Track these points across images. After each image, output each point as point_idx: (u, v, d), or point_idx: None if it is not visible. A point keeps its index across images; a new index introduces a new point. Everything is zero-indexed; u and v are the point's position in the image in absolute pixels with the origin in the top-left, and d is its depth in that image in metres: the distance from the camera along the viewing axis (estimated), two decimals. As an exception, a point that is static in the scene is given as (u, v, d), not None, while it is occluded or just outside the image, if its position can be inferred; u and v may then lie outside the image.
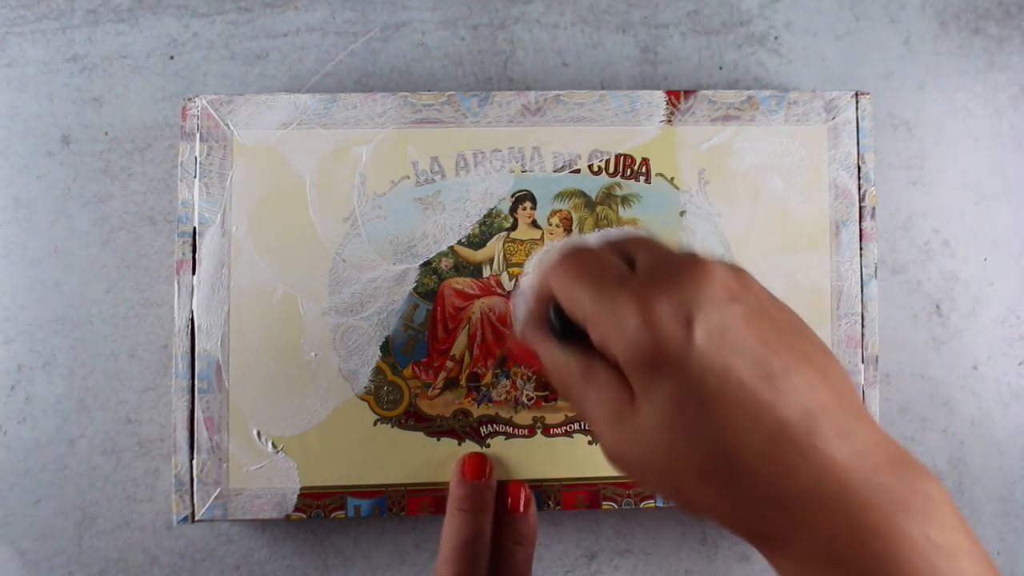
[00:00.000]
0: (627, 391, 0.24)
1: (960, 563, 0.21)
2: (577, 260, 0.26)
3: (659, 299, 0.22)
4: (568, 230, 0.41)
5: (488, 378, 0.40)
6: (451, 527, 0.37)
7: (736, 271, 0.24)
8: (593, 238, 0.28)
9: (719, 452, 0.22)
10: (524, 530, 0.38)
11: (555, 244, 0.27)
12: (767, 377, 0.22)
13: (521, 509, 0.38)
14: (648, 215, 0.41)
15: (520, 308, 0.30)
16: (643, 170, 0.41)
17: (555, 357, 0.27)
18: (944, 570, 0.20)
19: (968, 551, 0.21)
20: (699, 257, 0.24)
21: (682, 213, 0.41)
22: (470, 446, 0.40)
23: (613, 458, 0.25)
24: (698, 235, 0.41)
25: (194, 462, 0.38)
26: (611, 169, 0.41)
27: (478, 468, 0.38)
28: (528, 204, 0.41)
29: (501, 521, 0.38)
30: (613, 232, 0.27)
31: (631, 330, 0.23)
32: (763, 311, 0.23)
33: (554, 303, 0.27)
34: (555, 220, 0.41)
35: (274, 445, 0.39)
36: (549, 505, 0.40)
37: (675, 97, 0.41)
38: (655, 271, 0.24)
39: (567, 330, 0.26)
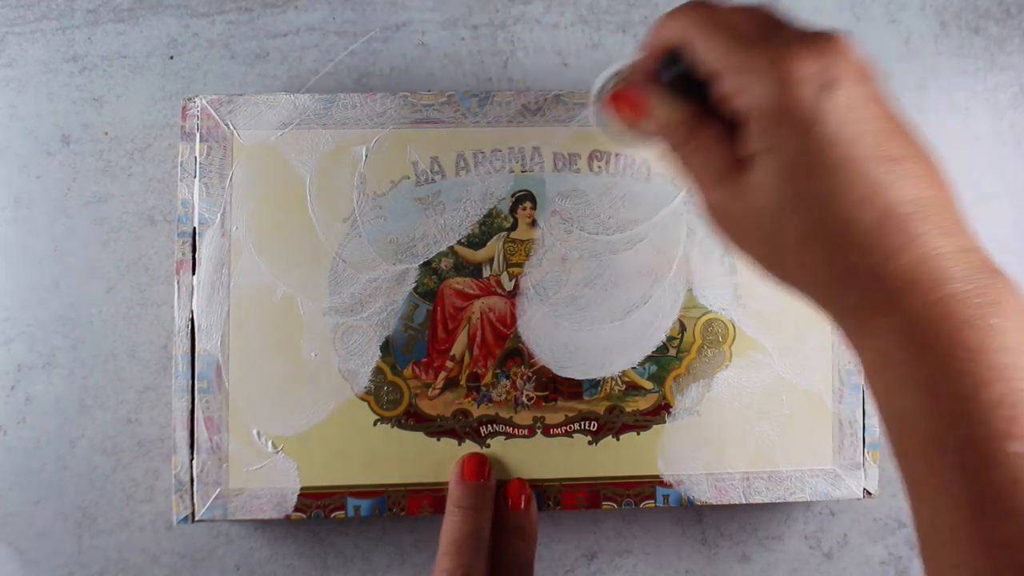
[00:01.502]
0: (738, 151, 0.24)
1: None
2: (716, 12, 0.25)
3: (803, 59, 0.23)
4: (568, 230, 0.41)
5: (488, 378, 0.40)
6: (450, 523, 0.37)
7: (868, 61, 0.24)
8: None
9: (829, 219, 0.23)
10: (525, 526, 0.38)
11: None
12: (888, 159, 0.22)
13: (522, 506, 0.38)
14: (648, 215, 0.41)
15: (604, 75, 0.30)
16: (643, 169, 0.41)
17: (665, 106, 0.26)
18: (1021, 368, 0.21)
19: None
20: (840, 32, 0.24)
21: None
22: (470, 446, 0.40)
23: (714, 215, 0.25)
24: (698, 235, 0.41)
25: (194, 462, 0.38)
26: (611, 169, 0.41)
27: (477, 469, 0.38)
28: (528, 204, 0.41)
29: (502, 518, 0.38)
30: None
31: (769, 83, 0.23)
32: (886, 102, 0.24)
33: (671, 53, 0.26)
34: (555, 220, 0.41)
35: (274, 445, 0.39)
36: (549, 505, 0.40)
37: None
38: (799, 37, 0.24)
39: (678, 85, 0.26)
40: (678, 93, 0.26)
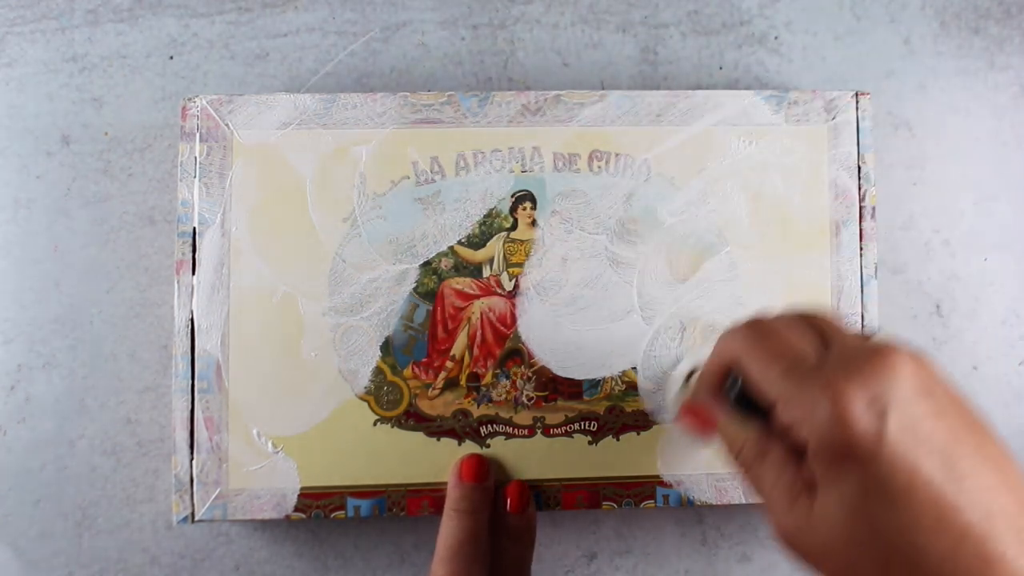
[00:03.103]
0: (805, 474, 0.24)
1: None
2: (769, 336, 0.26)
3: (853, 390, 0.22)
4: (568, 230, 0.41)
5: (488, 378, 0.40)
6: (447, 527, 0.37)
7: (925, 363, 0.24)
8: (776, 312, 0.28)
9: (902, 550, 0.22)
10: (523, 529, 0.38)
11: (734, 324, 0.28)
12: (955, 478, 0.22)
13: (520, 509, 0.38)
14: (648, 214, 0.41)
15: (681, 369, 0.31)
16: (643, 169, 0.41)
17: (733, 429, 0.27)
18: None
19: None
20: (891, 346, 0.24)
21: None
22: (470, 446, 0.40)
23: (785, 539, 0.25)
24: (698, 235, 0.41)
25: (194, 462, 0.38)
26: (611, 169, 0.41)
27: (475, 470, 0.38)
28: (528, 204, 0.41)
29: (500, 520, 0.38)
30: (799, 308, 0.27)
31: (823, 419, 0.23)
32: (952, 409, 0.23)
33: (734, 374, 0.27)
34: (555, 220, 0.41)
35: (274, 445, 0.39)
36: (549, 505, 0.40)
37: (675, 97, 0.41)
38: (849, 359, 0.24)
39: (743, 402, 0.26)
40: (744, 410, 0.27)
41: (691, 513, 0.45)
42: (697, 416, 0.30)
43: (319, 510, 0.39)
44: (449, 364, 0.40)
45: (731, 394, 0.27)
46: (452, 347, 0.40)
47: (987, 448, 0.23)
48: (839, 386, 0.23)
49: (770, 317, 0.27)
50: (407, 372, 0.40)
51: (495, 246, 0.40)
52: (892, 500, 0.22)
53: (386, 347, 0.40)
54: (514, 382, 0.40)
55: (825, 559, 0.24)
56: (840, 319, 0.27)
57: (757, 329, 0.27)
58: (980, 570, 0.21)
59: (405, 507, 0.39)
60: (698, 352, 0.32)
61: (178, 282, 0.39)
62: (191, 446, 0.39)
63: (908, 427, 0.22)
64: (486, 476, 0.38)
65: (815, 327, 0.26)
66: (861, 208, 0.41)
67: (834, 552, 0.23)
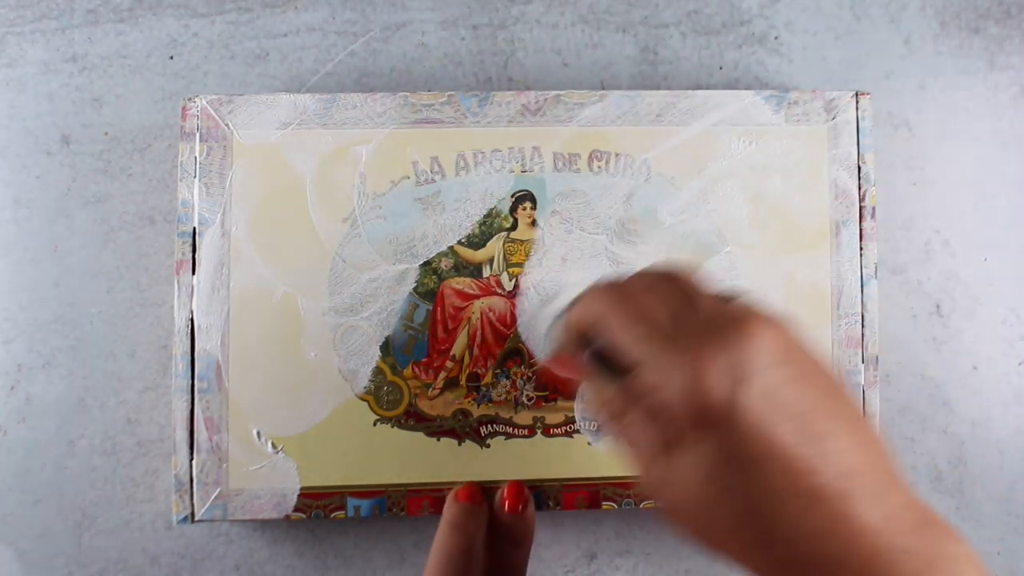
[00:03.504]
0: (667, 432, 0.24)
1: None
2: (630, 299, 0.26)
3: (711, 358, 0.23)
4: (568, 229, 0.41)
5: (488, 378, 0.40)
6: (440, 540, 0.37)
7: (784, 329, 0.24)
8: (638, 271, 0.28)
9: (755, 512, 0.22)
10: (521, 531, 0.38)
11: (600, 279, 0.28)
12: (809, 442, 0.22)
13: (516, 509, 0.38)
14: (648, 214, 0.41)
15: (554, 329, 0.31)
16: (643, 169, 0.41)
17: (600, 387, 0.27)
18: None
19: None
20: (751, 313, 0.24)
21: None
22: (470, 446, 0.40)
23: (649, 490, 0.25)
24: (698, 235, 0.41)
25: (194, 462, 0.38)
26: (611, 169, 0.41)
27: (470, 492, 0.38)
28: (528, 204, 0.41)
29: (497, 522, 0.38)
30: (659, 267, 0.27)
31: (681, 386, 0.23)
32: (809, 374, 0.24)
33: (596, 333, 0.27)
34: (555, 220, 0.41)
35: (274, 445, 0.39)
36: (549, 505, 0.40)
37: (675, 97, 0.41)
38: (708, 325, 0.24)
39: (605, 359, 0.27)
40: (607, 367, 0.27)
41: (691, 513, 0.45)
42: (564, 367, 0.30)
43: (319, 510, 0.39)
44: (449, 364, 0.40)
45: (593, 351, 0.27)
46: (452, 347, 0.40)
47: (843, 411, 0.23)
48: (696, 353, 0.23)
49: (632, 277, 0.27)
50: (407, 372, 0.40)
51: (495, 246, 0.40)
52: (747, 465, 0.22)
53: (386, 347, 0.40)
54: (514, 382, 0.40)
55: (684, 514, 0.24)
56: (702, 276, 0.27)
57: (619, 291, 0.26)
58: (833, 529, 0.22)
59: (405, 507, 0.39)
60: (570, 293, 0.31)
61: (178, 282, 0.39)
62: (191, 446, 0.39)
63: (765, 394, 0.22)
64: (480, 500, 0.38)
65: (677, 288, 0.26)
66: (861, 208, 0.41)
67: (691, 509, 0.24)
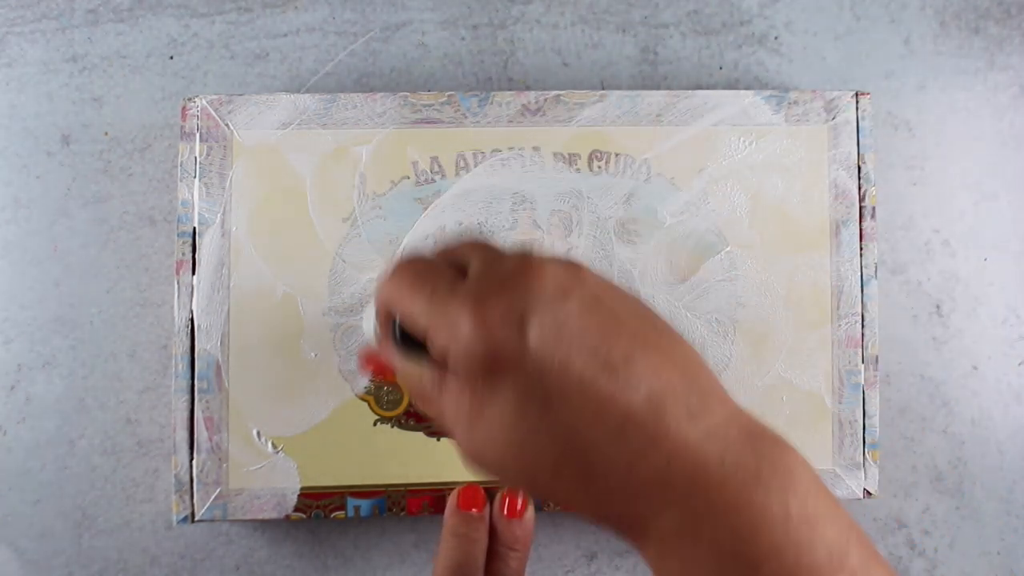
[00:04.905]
0: (472, 397, 0.24)
1: (821, 530, 0.21)
2: (408, 271, 0.26)
3: (490, 304, 0.22)
4: (568, 229, 0.41)
5: (488, 378, 0.40)
6: (445, 549, 0.37)
7: (568, 266, 0.24)
8: (427, 246, 0.28)
9: (568, 448, 0.22)
10: (519, 536, 0.38)
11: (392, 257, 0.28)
12: (607, 368, 0.22)
13: (517, 514, 0.38)
14: (648, 214, 0.41)
15: (368, 323, 0.31)
16: (643, 169, 0.41)
17: (407, 370, 0.27)
18: (805, 539, 0.21)
19: (829, 518, 0.21)
20: (529, 257, 0.24)
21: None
22: (470, 446, 0.40)
23: (469, 461, 0.25)
24: (698, 235, 0.41)
25: (194, 462, 0.38)
26: (611, 169, 0.41)
27: (471, 499, 0.38)
28: (528, 204, 0.41)
29: (497, 526, 0.38)
30: (447, 238, 0.27)
31: (465, 337, 0.23)
32: (599, 303, 0.23)
33: (394, 317, 0.27)
34: (555, 220, 0.41)
35: (274, 445, 0.39)
36: (549, 505, 0.40)
37: (675, 97, 0.41)
38: (485, 275, 0.24)
39: (412, 342, 0.26)
40: (411, 349, 0.26)
41: (691, 513, 0.44)
42: (374, 363, 0.30)
43: (319, 510, 0.39)
44: (449, 364, 0.40)
45: (396, 335, 0.27)
46: (452, 347, 0.40)
47: (645, 334, 0.23)
48: (475, 301, 0.23)
49: (416, 255, 0.27)
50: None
51: (495, 246, 0.40)
52: (547, 402, 0.22)
53: (386, 347, 0.40)
54: (514, 382, 0.40)
55: (504, 471, 0.24)
56: (485, 241, 0.27)
57: (402, 269, 0.26)
58: (646, 450, 0.21)
59: (405, 507, 0.39)
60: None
61: (178, 282, 0.39)
62: (191, 446, 0.39)
63: (549, 330, 0.22)
64: (482, 505, 0.38)
65: (455, 256, 0.26)
66: (861, 208, 0.41)
67: (510, 463, 0.23)
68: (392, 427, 0.40)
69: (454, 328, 0.23)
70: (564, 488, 0.23)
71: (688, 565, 0.22)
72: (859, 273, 0.41)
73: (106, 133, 0.44)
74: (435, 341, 0.24)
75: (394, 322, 0.27)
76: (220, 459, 0.39)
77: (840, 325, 0.41)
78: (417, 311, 0.25)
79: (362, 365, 0.30)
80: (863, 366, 0.41)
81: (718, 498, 0.21)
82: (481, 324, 0.22)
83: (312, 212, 0.40)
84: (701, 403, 0.22)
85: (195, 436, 0.39)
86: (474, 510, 0.38)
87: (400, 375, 0.27)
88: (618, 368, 0.22)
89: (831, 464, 0.41)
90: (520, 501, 0.38)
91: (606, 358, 0.22)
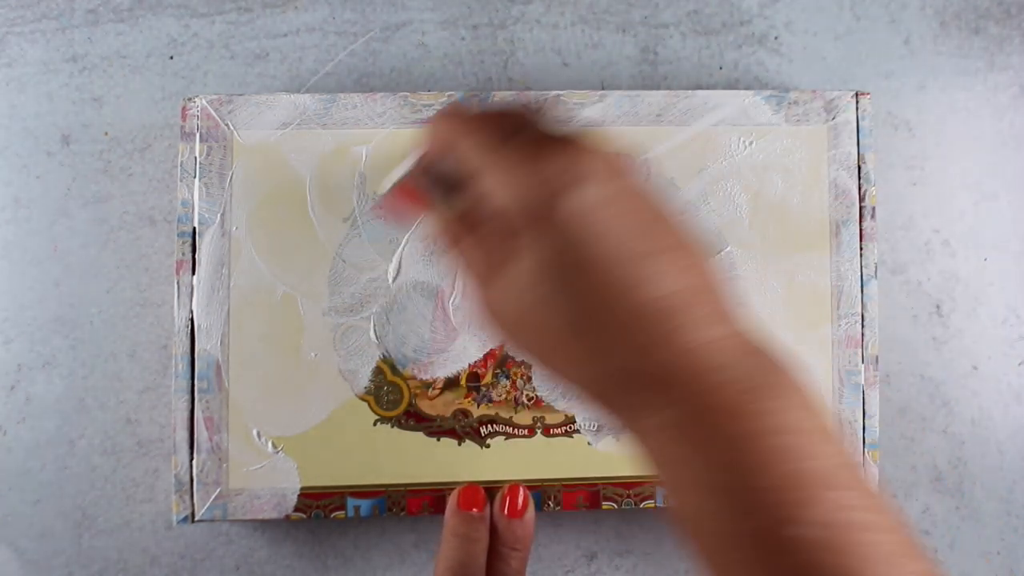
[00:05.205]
0: (502, 248, 0.24)
1: (811, 442, 0.21)
2: (468, 116, 0.26)
3: (544, 160, 0.23)
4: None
5: (488, 378, 0.40)
6: (444, 550, 0.37)
7: (623, 156, 0.24)
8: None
9: (586, 317, 0.22)
10: (520, 535, 0.38)
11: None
12: (634, 257, 0.22)
13: (518, 514, 0.38)
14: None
15: (389, 180, 0.31)
16: (643, 170, 0.41)
17: (441, 206, 0.27)
18: (795, 448, 0.21)
19: (821, 431, 0.22)
20: (588, 135, 0.24)
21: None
22: (470, 446, 0.40)
23: (488, 312, 0.25)
24: (698, 234, 0.41)
25: (194, 462, 0.38)
26: (611, 169, 0.41)
27: (471, 499, 0.38)
28: (528, 204, 0.40)
29: (497, 526, 0.38)
30: (500, 101, 0.27)
31: (518, 183, 0.23)
32: (643, 196, 0.24)
33: (436, 156, 0.27)
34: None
35: (274, 445, 0.39)
36: (549, 505, 0.40)
37: (675, 97, 0.41)
38: (544, 137, 0.24)
39: (446, 182, 0.27)
40: (453, 191, 0.27)
41: (691, 513, 0.45)
42: (410, 195, 0.30)
43: (319, 510, 0.39)
44: (449, 364, 0.40)
45: (435, 173, 0.27)
46: (452, 347, 0.40)
47: (675, 235, 0.23)
48: (531, 156, 0.23)
49: (471, 106, 0.27)
50: (407, 372, 0.40)
51: (495, 246, 0.40)
52: (578, 269, 0.22)
53: (386, 347, 0.40)
54: (514, 382, 0.40)
55: (519, 327, 0.24)
56: (541, 109, 0.27)
57: (457, 115, 0.26)
58: (655, 343, 0.22)
59: (405, 507, 0.39)
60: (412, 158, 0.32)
61: (178, 282, 0.39)
62: (191, 446, 0.39)
63: (593, 203, 0.22)
64: (483, 505, 0.38)
65: (516, 115, 0.26)
66: (861, 208, 0.41)
67: (526, 318, 0.23)
68: (392, 427, 0.40)
69: (506, 174, 0.23)
70: (572, 361, 0.23)
71: (690, 470, 0.22)
72: (859, 273, 0.41)
73: (106, 133, 0.44)
74: (481, 185, 0.24)
75: (439, 159, 0.27)
76: (220, 459, 0.39)
77: (840, 325, 0.41)
78: (469, 151, 0.25)
79: (389, 199, 0.30)
80: (863, 366, 0.41)
81: (716, 402, 0.22)
82: (533, 176, 0.23)
83: (312, 212, 0.40)
84: (713, 312, 0.23)
85: (195, 436, 0.39)
86: (474, 510, 0.38)
87: (432, 212, 0.28)
88: (644, 259, 0.22)
89: (831, 464, 0.41)
90: (521, 501, 0.39)
91: (636, 247, 0.22)
